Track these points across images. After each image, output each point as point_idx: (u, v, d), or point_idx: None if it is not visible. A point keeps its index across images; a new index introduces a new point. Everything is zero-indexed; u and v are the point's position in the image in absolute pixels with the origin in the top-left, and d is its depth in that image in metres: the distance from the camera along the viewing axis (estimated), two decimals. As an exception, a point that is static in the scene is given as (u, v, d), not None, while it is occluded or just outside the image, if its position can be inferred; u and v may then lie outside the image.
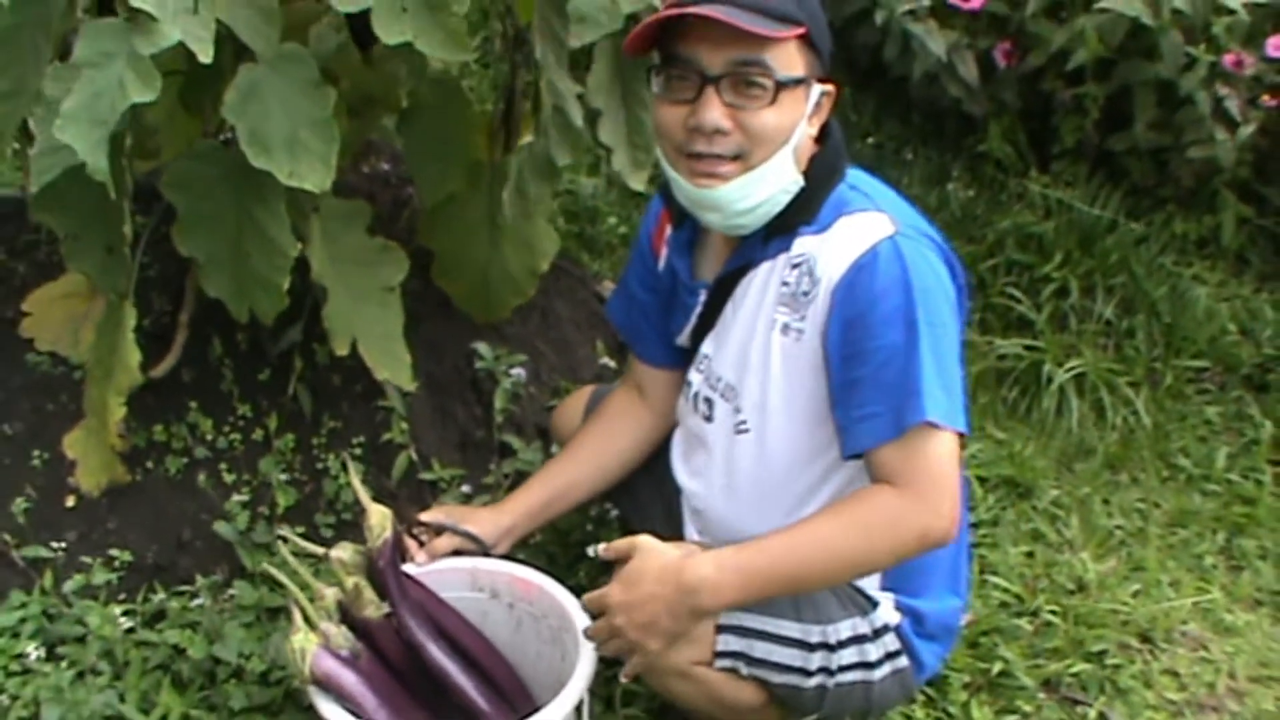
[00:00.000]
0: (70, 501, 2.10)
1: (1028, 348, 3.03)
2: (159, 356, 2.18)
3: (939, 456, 1.63)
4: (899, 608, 1.81)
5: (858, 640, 1.78)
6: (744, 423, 1.79)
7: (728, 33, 1.57)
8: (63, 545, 2.05)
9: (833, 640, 1.76)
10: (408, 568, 1.83)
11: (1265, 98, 3.10)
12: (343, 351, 2.05)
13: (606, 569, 2.05)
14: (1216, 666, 2.22)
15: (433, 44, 1.77)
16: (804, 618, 1.74)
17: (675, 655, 1.66)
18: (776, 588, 1.66)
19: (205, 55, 1.67)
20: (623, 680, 1.75)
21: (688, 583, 1.60)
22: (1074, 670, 2.15)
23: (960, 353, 1.73)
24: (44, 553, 2.05)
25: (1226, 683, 2.19)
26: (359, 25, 2.21)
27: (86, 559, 2.06)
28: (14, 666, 1.89)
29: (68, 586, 2.02)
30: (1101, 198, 3.30)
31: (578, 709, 1.73)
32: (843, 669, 1.77)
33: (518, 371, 2.45)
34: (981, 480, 2.66)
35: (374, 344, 2.08)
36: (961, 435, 1.67)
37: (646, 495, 2.04)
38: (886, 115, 3.60)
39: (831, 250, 1.67)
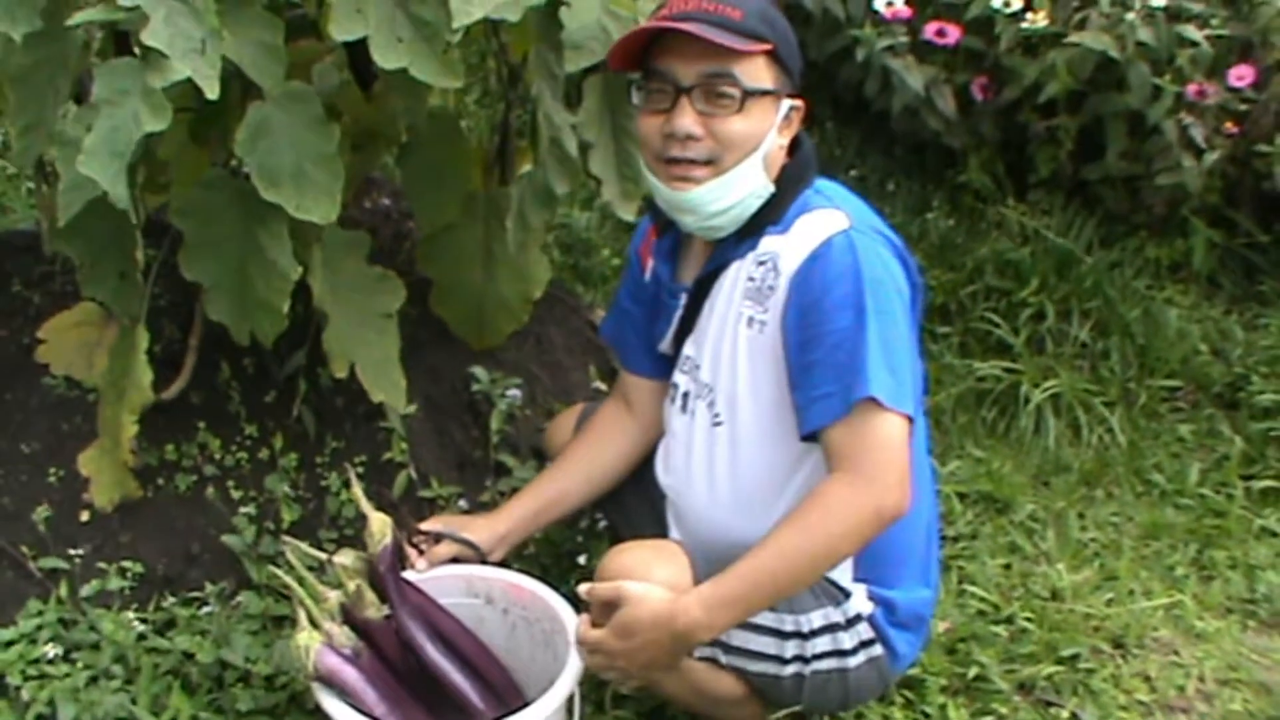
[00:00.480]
0: (85, 516, 2.19)
1: (1006, 370, 3.13)
2: (169, 381, 2.27)
3: (885, 436, 1.72)
4: (871, 598, 1.90)
5: (830, 629, 1.86)
6: (718, 416, 1.90)
7: (699, 47, 1.72)
8: (78, 556, 2.14)
9: (805, 629, 1.84)
10: (407, 574, 1.93)
11: (1229, 125, 3.22)
12: (341, 374, 2.15)
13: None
14: (1187, 670, 2.30)
15: (427, 71, 1.88)
16: (778, 607, 1.82)
17: None
18: (763, 603, 1.75)
19: (212, 92, 1.77)
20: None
21: (681, 629, 1.70)
22: (1048, 673, 2.22)
23: (912, 344, 1.84)
24: (60, 564, 2.14)
25: (1196, 685, 2.27)
26: (359, 63, 2.34)
27: (100, 569, 2.15)
28: (31, 671, 1.98)
29: (82, 593, 2.11)
30: (1076, 225, 3.41)
31: (569, 709, 1.81)
32: (817, 657, 1.85)
33: (513, 393, 2.54)
34: (961, 496, 2.75)
35: (371, 368, 2.17)
36: (909, 419, 1.76)
37: (634, 502, 2.13)
38: (870, 149, 3.72)
39: (791, 247, 1.80)
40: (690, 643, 1.73)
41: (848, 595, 1.89)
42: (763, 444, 1.87)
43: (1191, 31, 3.21)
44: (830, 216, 1.80)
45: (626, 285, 2.15)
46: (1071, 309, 3.25)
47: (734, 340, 1.86)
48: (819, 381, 1.75)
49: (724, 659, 1.82)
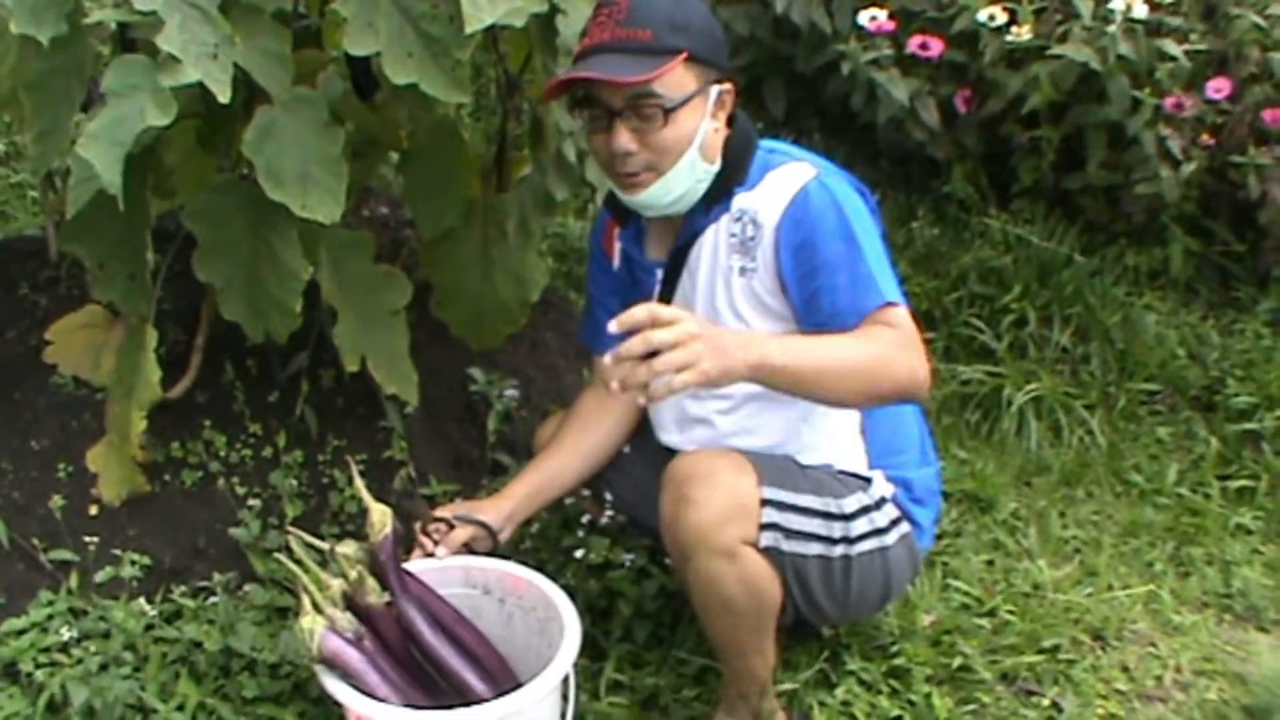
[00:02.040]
0: (93, 510, 2.24)
1: (989, 374, 3.21)
2: (174, 381, 2.33)
3: (902, 323, 1.90)
4: (889, 479, 2.07)
5: (865, 511, 2.02)
6: None
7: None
8: (89, 547, 2.20)
9: (847, 510, 1.99)
10: (408, 565, 1.99)
11: (1205, 136, 3.30)
12: (353, 368, 2.22)
13: (594, 572, 2.22)
14: (1164, 661, 2.37)
15: (435, 86, 1.95)
16: (821, 493, 1.98)
17: (730, 529, 1.86)
18: (810, 365, 1.78)
19: (224, 95, 1.83)
20: (678, 384, 1.66)
21: (745, 334, 1.86)
22: (1029, 664, 2.30)
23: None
24: (70, 556, 2.19)
25: (1173, 676, 2.34)
26: (360, 75, 2.40)
27: (108, 563, 2.20)
28: (42, 658, 2.04)
29: (91, 585, 2.16)
30: (1058, 233, 3.50)
31: (564, 694, 1.87)
32: (860, 537, 2.00)
33: (510, 394, 2.61)
34: (945, 495, 2.79)
35: (382, 362, 2.25)
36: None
37: (643, 475, 2.20)
38: (857, 160, 3.79)
39: (767, 199, 1.96)
40: (753, 347, 1.73)
41: (870, 481, 2.04)
42: None
43: (1170, 45, 3.29)
44: (797, 168, 1.97)
45: (595, 279, 2.27)
46: (1053, 315, 3.35)
47: (728, 291, 2.01)
48: (825, 305, 1.91)
49: (785, 545, 1.93)
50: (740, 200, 1.99)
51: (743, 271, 1.99)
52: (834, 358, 1.83)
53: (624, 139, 1.90)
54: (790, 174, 1.97)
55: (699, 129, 1.93)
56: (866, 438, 2.07)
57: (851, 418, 2.07)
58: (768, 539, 1.91)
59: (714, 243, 2.02)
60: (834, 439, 2.06)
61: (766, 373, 1.76)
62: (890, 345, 1.87)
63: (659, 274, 2.10)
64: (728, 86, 1.99)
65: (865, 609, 2.16)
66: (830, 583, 2.01)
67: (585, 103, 1.95)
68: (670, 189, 1.96)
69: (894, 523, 2.05)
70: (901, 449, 2.10)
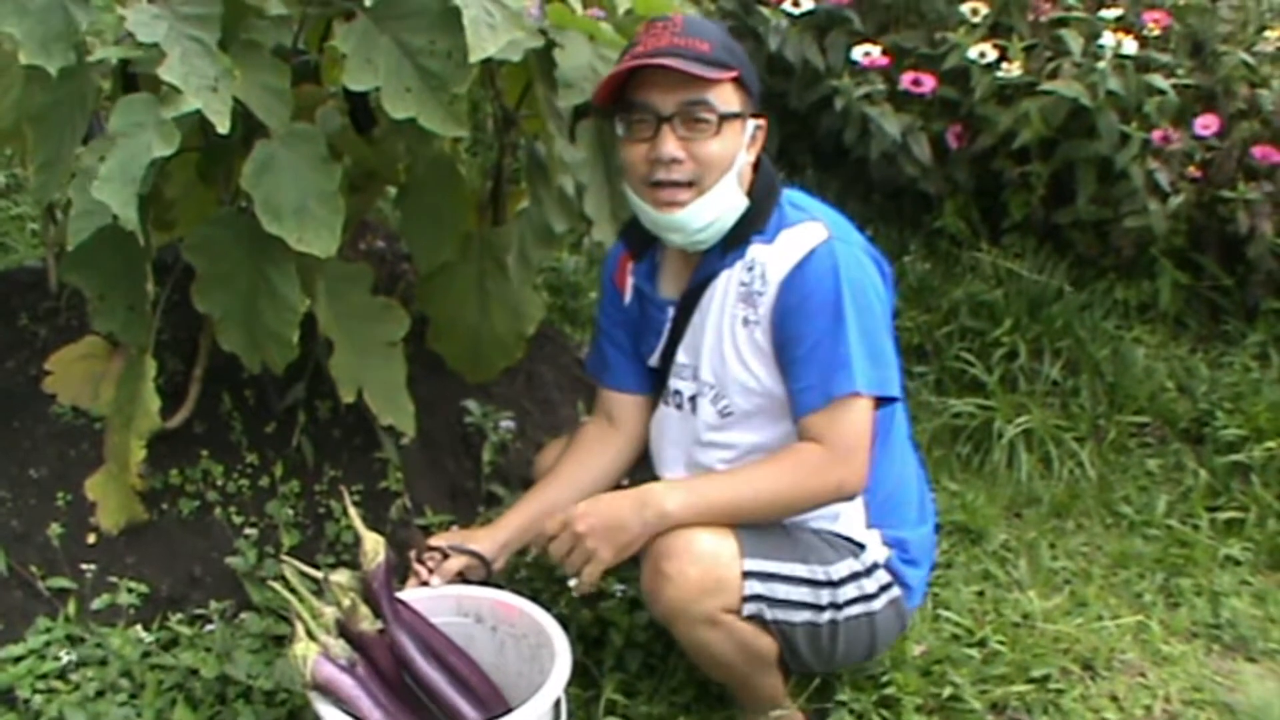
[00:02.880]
0: (91, 539, 2.27)
1: (980, 407, 3.24)
2: (173, 411, 2.36)
3: (856, 423, 1.93)
4: (885, 542, 2.08)
5: (855, 577, 2.03)
6: (727, 406, 2.06)
7: (676, 79, 1.90)
8: (85, 577, 2.22)
9: (835, 578, 2.01)
10: (401, 594, 2.00)
11: (1193, 171, 3.34)
12: (349, 399, 2.25)
13: (586, 600, 2.24)
14: (1153, 691, 2.39)
15: (433, 120, 1.99)
16: (809, 561, 1.99)
17: (709, 601, 1.90)
18: (719, 509, 1.92)
19: (223, 126, 1.87)
20: (576, 595, 2.01)
21: (643, 494, 1.92)
22: (1019, 693, 2.31)
23: (891, 331, 2.03)
24: (68, 583, 2.22)
25: (1162, 706, 2.36)
26: (358, 109, 2.44)
27: (106, 590, 2.22)
28: (40, 685, 2.05)
29: (89, 612, 2.18)
30: (1048, 267, 3.53)
31: (556, 717, 1.89)
32: (848, 603, 2.03)
33: (506, 425, 2.63)
34: (937, 527, 2.83)
35: (379, 393, 2.28)
36: (879, 400, 1.98)
37: None
38: (849, 195, 3.82)
39: (777, 257, 1.98)
40: (646, 514, 1.89)
41: (863, 548, 2.07)
42: (773, 421, 2.04)
43: (1159, 81, 3.34)
44: (811, 229, 1.99)
45: (606, 313, 2.29)
46: (1043, 348, 3.37)
47: (734, 339, 2.03)
48: (800, 375, 1.95)
49: (769, 614, 1.95)
50: (755, 250, 2.01)
51: (745, 322, 2.01)
52: (748, 495, 1.93)
53: (671, 145, 1.92)
54: (802, 234, 1.98)
55: (739, 154, 1.97)
56: (866, 496, 2.05)
57: None
58: (751, 609, 1.94)
59: (725, 289, 2.04)
60: None
61: (672, 523, 1.89)
62: (815, 469, 1.92)
63: (671, 312, 2.12)
64: (762, 123, 2.03)
65: (850, 663, 2.18)
66: (816, 645, 2.03)
67: (629, 108, 1.96)
68: (705, 210, 1.97)
69: (884, 588, 2.06)
70: (901, 506, 2.13)
